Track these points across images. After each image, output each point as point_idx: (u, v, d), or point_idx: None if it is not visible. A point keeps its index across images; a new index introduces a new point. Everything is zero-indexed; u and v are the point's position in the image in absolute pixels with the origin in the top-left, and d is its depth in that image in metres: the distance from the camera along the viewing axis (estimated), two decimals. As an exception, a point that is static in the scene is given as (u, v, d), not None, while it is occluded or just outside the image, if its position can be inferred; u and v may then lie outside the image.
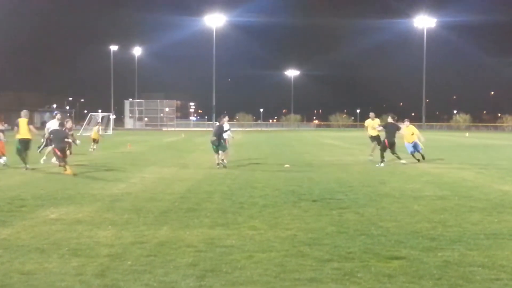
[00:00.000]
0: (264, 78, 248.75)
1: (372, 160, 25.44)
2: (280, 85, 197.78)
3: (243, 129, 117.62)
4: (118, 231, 9.90)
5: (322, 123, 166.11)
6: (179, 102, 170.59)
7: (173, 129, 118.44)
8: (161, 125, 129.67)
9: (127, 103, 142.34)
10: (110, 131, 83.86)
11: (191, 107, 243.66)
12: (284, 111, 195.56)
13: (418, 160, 24.55)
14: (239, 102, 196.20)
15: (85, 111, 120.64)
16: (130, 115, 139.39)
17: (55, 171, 20.80)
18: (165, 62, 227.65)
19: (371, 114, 27.56)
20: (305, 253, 8.33)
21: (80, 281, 6.89)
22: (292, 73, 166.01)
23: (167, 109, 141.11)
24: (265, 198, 13.86)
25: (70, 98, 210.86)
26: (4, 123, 24.66)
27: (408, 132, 25.03)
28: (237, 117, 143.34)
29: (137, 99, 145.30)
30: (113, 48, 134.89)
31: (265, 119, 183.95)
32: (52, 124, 20.80)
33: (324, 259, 7.94)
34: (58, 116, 22.32)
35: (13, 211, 12.03)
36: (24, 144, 21.50)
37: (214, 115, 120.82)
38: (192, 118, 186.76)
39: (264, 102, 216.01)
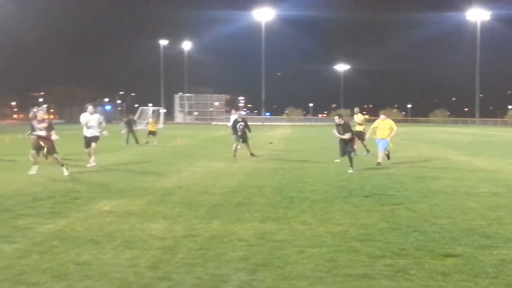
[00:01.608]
0: (313, 72, 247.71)
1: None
2: (329, 80, 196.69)
3: (293, 123, 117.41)
4: (170, 224, 9.99)
5: (372, 118, 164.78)
6: (228, 96, 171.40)
7: (222, 123, 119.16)
8: (210, 119, 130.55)
9: (176, 97, 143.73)
10: (160, 125, 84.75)
11: (241, 101, 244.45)
12: (333, 105, 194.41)
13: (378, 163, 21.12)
14: (289, 96, 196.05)
15: (136, 105, 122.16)
16: (180, 109, 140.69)
17: (106, 164, 21.14)
18: (214, 56, 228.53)
19: (356, 109, 27.76)
20: (356, 248, 8.26)
21: (133, 273, 6.98)
22: (341, 67, 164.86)
23: (216, 103, 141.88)
24: (316, 193, 13.79)
25: (121, 92, 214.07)
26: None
27: (383, 126, 21.92)
28: (286, 112, 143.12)
29: (187, 93, 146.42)
30: (163, 42, 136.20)
31: (315, 113, 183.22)
32: (84, 117, 20.49)
33: (376, 255, 7.86)
34: (90, 108, 20.79)
35: (68, 203, 12.27)
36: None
37: (263, 109, 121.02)
38: (242, 112, 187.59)
39: (313, 96, 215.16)
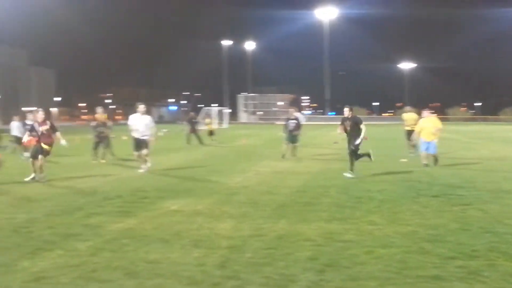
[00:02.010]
0: (378, 71, 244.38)
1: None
2: (394, 78, 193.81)
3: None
4: (237, 224, 10.04)
5: (439, 116, 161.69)
6: (292, 96, 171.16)
7: (285, 123, 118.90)
8: (274, 119, 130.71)
9: (240, 97, 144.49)
10: (225, 125, 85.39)
11: (305, 100, 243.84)
12: (398, 104, 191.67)
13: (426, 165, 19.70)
14: (353, 95, 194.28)
15: (200, 106, 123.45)
16: (244, 109, 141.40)
17: (172, 164, 21.43)
18: (277, 56, 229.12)
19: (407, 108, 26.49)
20: (427, 249, 8.10)
21: (202, 272, 7.04)
22: (407, 65, 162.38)
23: (280, 103, 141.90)
24: (383, 193, 13.61)
25: (186, 93, 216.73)
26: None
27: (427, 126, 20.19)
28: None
29: (251, 93, 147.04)
30: (227, 43, 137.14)
31: (380, 112, 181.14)
32: (133, 118, 19.37)
33: (447, 257, 7.69)
34: (141, 107, 19.16)
35: (136, 202, 12.48)
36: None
37: (327, 109, 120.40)
38: (306, 112, 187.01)
39: (378, 95, 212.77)
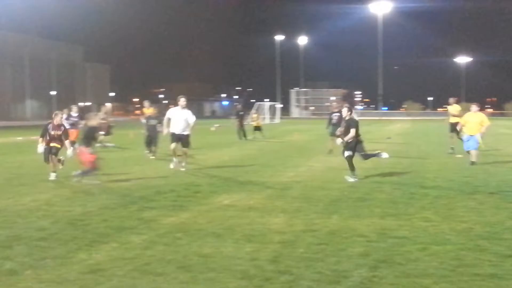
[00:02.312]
0: (432, 65, 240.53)
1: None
2: (450, 73, 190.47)
3: (411, 118, 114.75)
4: (289, 219, 10.03)
5: (497, 111, 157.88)
6: (344, 91, 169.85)
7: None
8: (326, 114, 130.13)
9: (293, 92, 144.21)
10: (277, 120, 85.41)
11: (357, 95, 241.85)
12: (455, 99, 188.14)
13: (473, 163, 18.64)
14: (407, 90, 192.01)
15: (253, 100, 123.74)
16: (296, 104, 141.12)
17: (225, 159, 21.54)
18: (330, 51, 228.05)
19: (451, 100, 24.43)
20: (483, 247, 7.93)
21: (254, 266, 7.05)
22: (462, 59, 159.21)
23: (332, 98, 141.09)
24: (437, 189, 13.40)
25: (238, 88, 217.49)
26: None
27: (472, 121, 19.37)
28: (404, 106, 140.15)
29: (303, 88, 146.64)
30: (279, 38, 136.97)
31: (434, 107, 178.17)
32: (173, 112, 18.42)
33: (504, 255, 7.52)
34: (182, 101, 17.76)
35: (190, 196, 12.59)
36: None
37: (380, 104, 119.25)
38: (358, 107, 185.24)
39: (432, 90, 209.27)
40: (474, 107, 19.64)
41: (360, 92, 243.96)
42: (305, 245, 8.11)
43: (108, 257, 7.49)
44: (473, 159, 18.77)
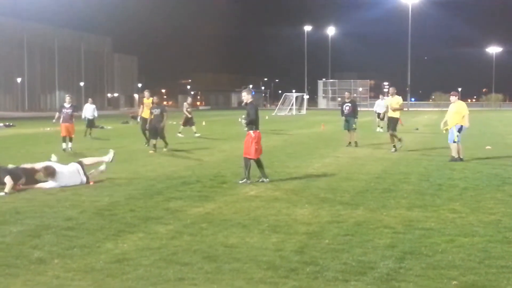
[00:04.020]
0: (462, 55, 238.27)
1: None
2: (480, 63, 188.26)
3: (439, 109, 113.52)
4: (315, 210, 10.00)
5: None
6: (372, 82, 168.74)
7: (366, 109, 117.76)
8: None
9: (320, 83, 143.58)
10: (304, 111, 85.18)
11: (385, 86, 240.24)
12: (484, 90, 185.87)
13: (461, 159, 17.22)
14: (436, 81, 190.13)
15: (279, 91, 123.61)
16: (324, 95, 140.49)
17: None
18: (358, 41, 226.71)
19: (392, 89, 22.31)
20: (511, 239, 7.84)
21: (280, 257, 7.05)
22: (493, 49, 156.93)
23: (360, 89, 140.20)
24: (465, 181, 13.26)
25: (265, 79, 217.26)
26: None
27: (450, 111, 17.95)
28: (432, 97, 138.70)
29: (330, 79, 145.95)
30: (307, 28, 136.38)
31: (464, 98, 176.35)
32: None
33: (533, 247, 7.42)
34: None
35: (215, 187, 12.62)
36: None
37: (409, 94, 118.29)
38: (385, 97, 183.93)
39: (462, 81, 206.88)
40: (452, 97, 18.12)
41: (388, 83, 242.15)
42: (331, 236, 8.08)
43: (135, 247, 7.54)
44: (452, 153, 17.41)
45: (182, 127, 30.23)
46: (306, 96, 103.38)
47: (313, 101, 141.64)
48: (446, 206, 10.19)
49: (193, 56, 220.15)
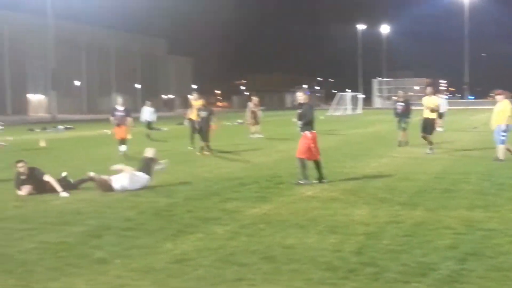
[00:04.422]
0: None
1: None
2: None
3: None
4: (373, 210, 9.90)
5: None
6: (429, 80, 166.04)
7: (422, 107, 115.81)
8: (410, 104, 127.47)
9: (375, 82, 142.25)
10: (359, 111, 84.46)
11: (442, 84, 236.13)
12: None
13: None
14: (495, 78, 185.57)
15: (334, 91, 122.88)
16: (379, 94, 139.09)
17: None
18: (413, 39, 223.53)
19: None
20: None
21: (338, 257, 7.00)
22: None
23: (416, 87, 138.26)
24: (528, 180, 12.92)
25: (320, 79, 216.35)
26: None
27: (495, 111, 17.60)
28: (491, 95, 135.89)
29: (385, 77, 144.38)
30: (361, 27, 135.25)
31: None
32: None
33: None
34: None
35: (271, 187, 12.63)
36: None
37: (466, 92, 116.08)
38: (443, 96, 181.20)
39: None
40: (497, 96, 17.70)
41: (445, 81, 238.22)
42: (390, 237, 7.99)
43: (194, 247, 7.61)
44: (498, 154, 16.83)
45: (255, 127, 29.82)
46: (361, 96, 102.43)
47: (368, 101, 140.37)
48: (509, 206, 9.95)
49: (247, 57, 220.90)
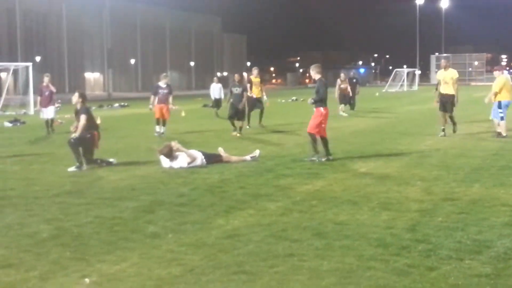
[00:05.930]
0: None
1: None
2: None
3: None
4: (428, 187, 9.74)
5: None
6: (489, 55, 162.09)
7: (482, 83, 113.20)
8: (469, 80, 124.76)
9: (433, 57, 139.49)
10: (415, 87, 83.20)
11: (503, 60, 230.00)
12: None
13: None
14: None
15: (390, 67, 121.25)
16: (437, 70, 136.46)
17: (360, 128, 21.27)
18: (473, 13, 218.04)
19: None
20: None
21: (391, 234, 6.92)
22: None
23: (476, 63, 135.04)
24: None
25: (375, 55, 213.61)
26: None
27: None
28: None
29: (444, 53, 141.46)
30: (419, 2, 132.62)
31: None
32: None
33: None
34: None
35: (325, 164, 12.54)
36: None
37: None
38: (504, 71, 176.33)
39: None
40: (495, 72, 18.20)
41: (506, 56, 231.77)
42: (444, 214, 7.85)
43: (245, 223, 7.63)
44: (498, 129, 17.03)
45: (341, 105, 28.28)
46: (417, 72, 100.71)
47: (425, 77, 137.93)
48: None
49: (302, 33, 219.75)
